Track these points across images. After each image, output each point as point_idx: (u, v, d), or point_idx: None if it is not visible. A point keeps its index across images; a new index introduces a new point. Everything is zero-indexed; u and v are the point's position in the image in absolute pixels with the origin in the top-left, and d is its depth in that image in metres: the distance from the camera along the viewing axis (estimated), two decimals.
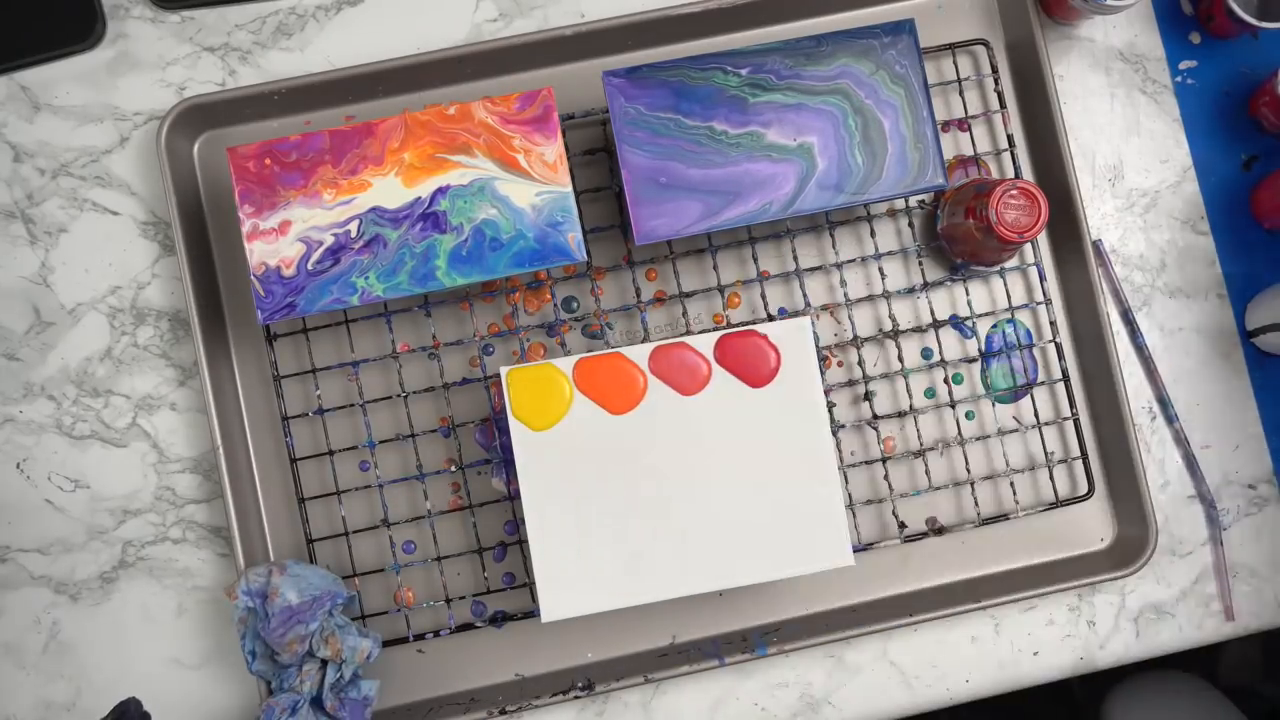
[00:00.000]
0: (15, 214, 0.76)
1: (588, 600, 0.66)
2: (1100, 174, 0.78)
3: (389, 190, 0.67)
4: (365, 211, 0.67)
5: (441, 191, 0.67)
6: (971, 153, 0.77)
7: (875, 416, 0.74)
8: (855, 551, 0.75)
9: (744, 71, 0.68)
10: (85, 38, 0.75)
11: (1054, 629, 0.76)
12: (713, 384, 0.67)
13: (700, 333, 0.70)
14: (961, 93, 0.76)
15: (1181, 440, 0.77)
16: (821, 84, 0.68)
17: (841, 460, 0.75)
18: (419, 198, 0.67)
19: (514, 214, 0.67)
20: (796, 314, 0.75)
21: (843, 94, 0.68)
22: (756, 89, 0.68)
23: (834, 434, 0.75)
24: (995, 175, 0.77)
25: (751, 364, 0.67)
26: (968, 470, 0.75)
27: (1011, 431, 0.76)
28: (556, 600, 0.66)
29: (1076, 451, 0.77)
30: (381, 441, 0.74)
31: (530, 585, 0.74)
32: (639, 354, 0.66)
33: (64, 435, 0.75)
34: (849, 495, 0.75)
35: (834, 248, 0.75)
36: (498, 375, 0.74)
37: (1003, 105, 0.76)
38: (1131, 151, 0.79)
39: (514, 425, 0.66)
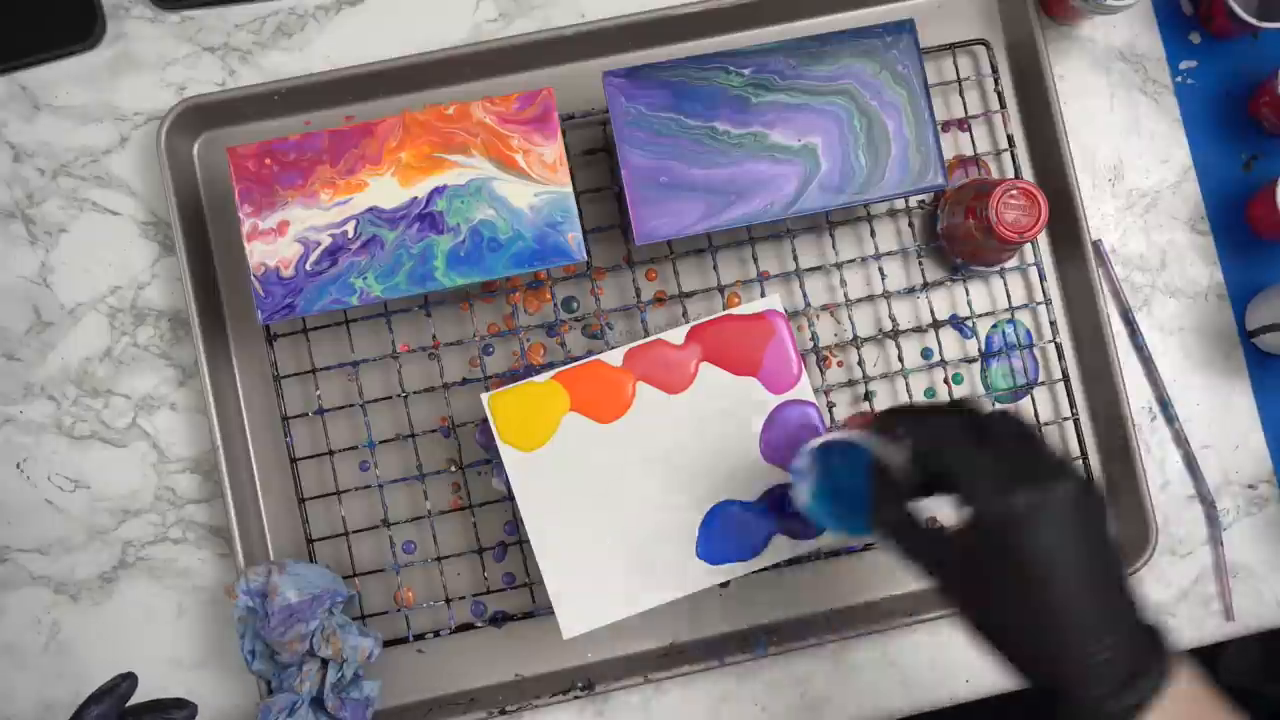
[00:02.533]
0: (15, 214, 0.76)
1: (605, 611, 0.65)
2: (1100, 174, 0.78)
3: (386, 190, 0.67)
4: (362, 212, 0.67)
5: (438, 191, 0.67)
6: (971, 153, 0.77)
7: None
8: (854, 552, 0.75)
9: (747, 71, 0.68)
10: (85, 38, 0.75)
11: None
12: (699, 378, 0.67)
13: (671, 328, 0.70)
14: (961, 93, 0.76)
15: (1181, 440, 0.77)
16: (825, 84, 0.68)
17: None
18: (415, 198, 0.67)
19: (511, 214, 0.67)
20: (796, 314, 0.75)
21: (847, 95, 0.68)
22: (760, 89, 0.68)
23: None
24: (995, 175, 0.77)
25: (731, 351, 0.67)
26: None
27: None
28: (574, 616, 0.65)
29: (1076, 451, 0.77)
30: (381, 441, 0.74)
31: (530, 585, 0.74)
32: (617, 358, 0.66)
33: (64, 435, 0.75)
34: None
35: (834, 248, 0.75)
36: (498, 375, 0.74)
37: (1003, 105, 0.76)
38: (1131, 152, 0.79)
39: (504, 450, 0.65)
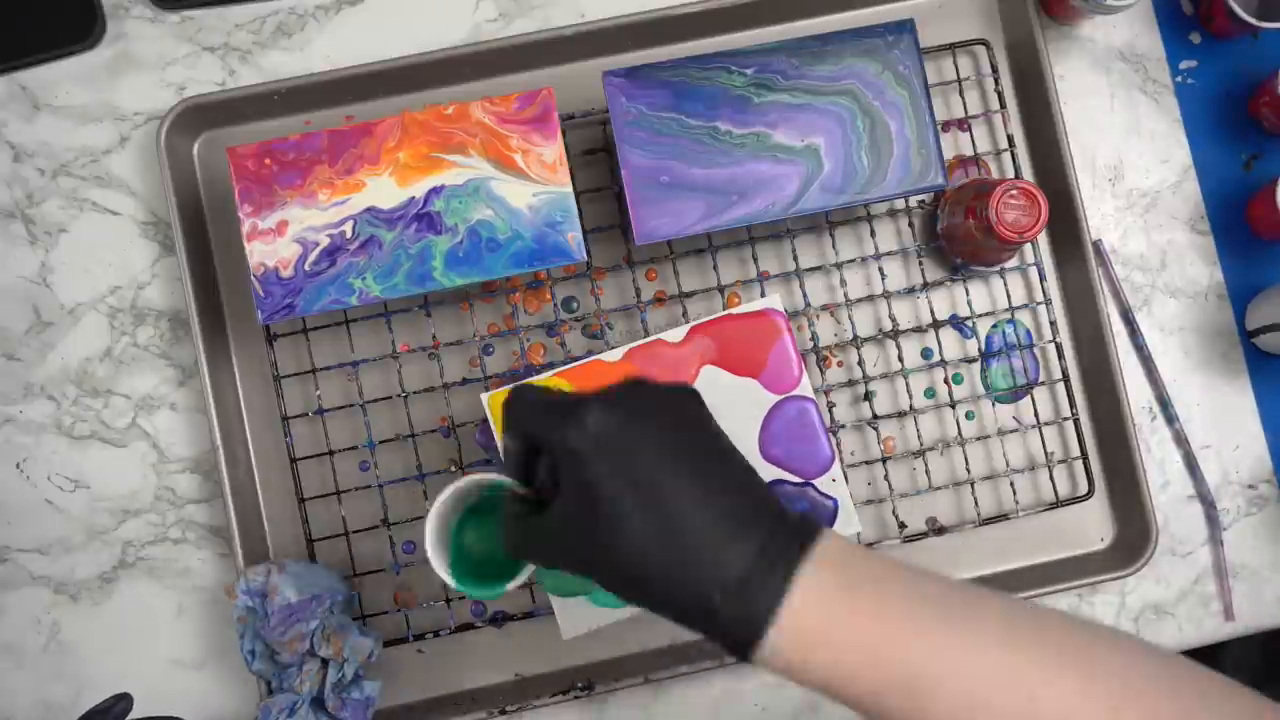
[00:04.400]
0: (15, 214, 0.76)
1: (605, 611, 0.65)
2: (1100, 174, 0.78)
3: (383, 191, 0.67)
4: (360, 212, 0.67)
5: (436, 192, 0.67)
6: (971, 153, 0.77)
7: (875, 416, 0.74)
8: None
9: (749, 71, 0.68)
10: (85, 38, 0.75)
11: None
12: (699, 379, 0.67)
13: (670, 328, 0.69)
14: (961, 93, 0.76)
15: (1181, 440, 0.77)
16: (828, 84, 0.68)
17: (842, 460, 0.75)
18: (413, 198, 0.67)
19: (510, 215, 0.67)
20: (796, 314, 0.75)
21: (851, 95, 0.68)
22: (762, 89, 0.68)
23: (834, 433, 0.75)
24: (995, 175, 0.77)
25: (731, 351, 0.67)
26: (968, 470, 0.75)
27: (1011, 431, 0.76)
28: (574, 616, 0.65)
29: (1076, 451, 0.77)
30: (381, 441, 0.74)
31: (530, 585, 0.74)
32: (618, 358, 0.66)
33: (64, 435, 0.75)
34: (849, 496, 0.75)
35: (834, 248, 0.75)
36: (498, 375, 0.74)
37: (1003, 105, 0.76)
38: (1131, 151, 0.78)
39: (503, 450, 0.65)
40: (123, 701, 0.60)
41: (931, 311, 0.75)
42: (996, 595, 0.44)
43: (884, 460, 0.74)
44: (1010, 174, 0.77)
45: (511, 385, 0.51)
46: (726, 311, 0.67)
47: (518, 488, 0.51)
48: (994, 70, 0.76)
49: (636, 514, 0.44)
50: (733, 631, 0.43)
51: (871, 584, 0.43)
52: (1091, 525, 0.76)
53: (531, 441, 0.48)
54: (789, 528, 0.44)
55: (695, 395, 0.47)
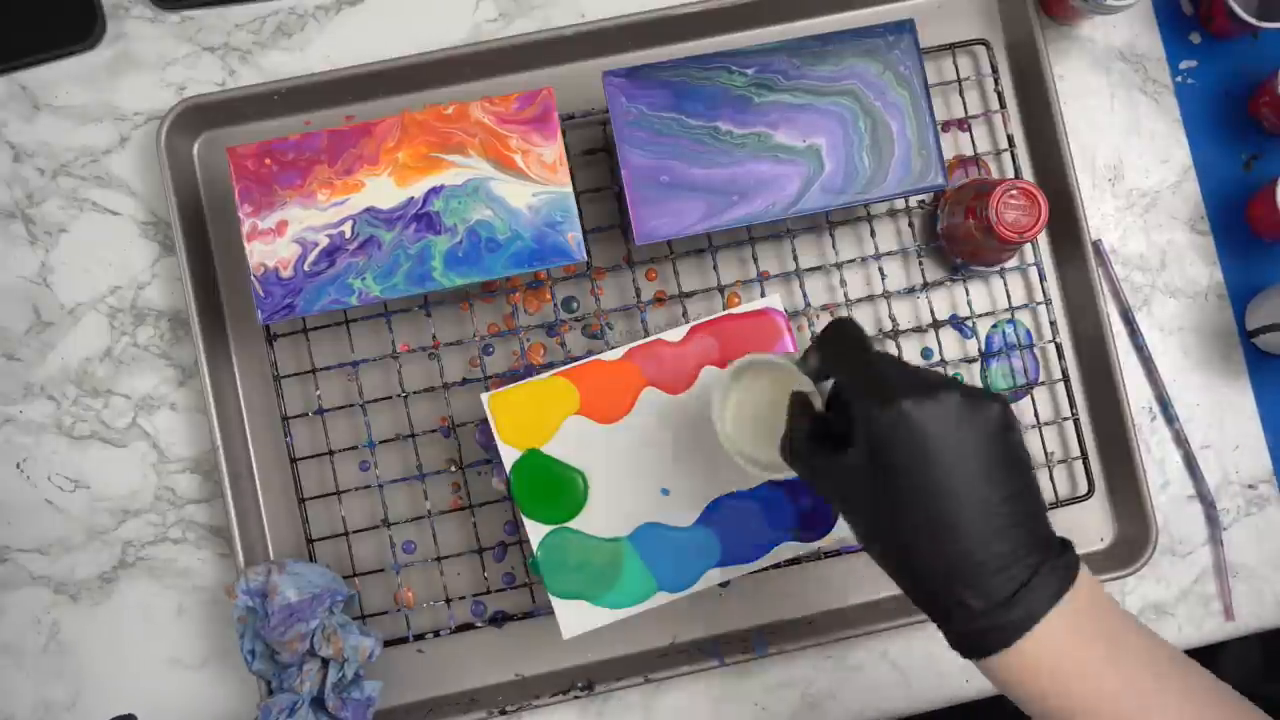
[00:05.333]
0: (15, 214, 0.76)
1: (605, 611, 0.65)
2: (1100, 174, 0.78)
3: (382, 191, 0.67)
4: (359, 212, 0.67)
5: (435, 192, 0.67)
6: (971, 153, 0.77)
7: None
8: (854, 552, 0.75)
9: (750, 71, 0.68)
10: (85, 38, 0.75)
11: None
12: (700, 379, 0.67)
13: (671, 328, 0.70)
14: (961, 93, 0.76)
15: (1181, 440, 0.77)
16: (829, 84, 0.68)
17: None
18: (412, 198, 0.67)
19: (509, 215, 0.67)
20: (796, 314, 0.75)
21: (852, 95, 0.68)
22: (763, 89, 0.68)
23: None
24: (995, 175, 0.77)
25: (731, 351, 0.67)
26: None
27: None
28: (574, 616, 0.65)
29: (1076, 451, 0.77)
30: (381, 441, 0.74)
31: (530, 585, 0.74)
32: (618, 358, 0.66)
33: (64, 435, 0.75)
34: None
35: (834, 248, 0.75)
36: (498, 375, 0.74)
37: (1003, 105, 0.76)
38: (1131, 151, 0.78)
39: (504, 450, 0.65)
40: None
41: (931, 311, 0.75)
42: (1208, 676, 0.50)
43: None
44: (1010, 174, 0.77)
45: (836, 320, 0.53)
46: (727, 311, 0.67)
47: (810, 392, 0.54)
48: (994, 70, 0.77)
49: (926, 511, 0.46)
50: (972, 636, 0.47)
51: (1106, 639, 0.47)
52: (1091, 525, 0.76)
53: (844, 390, 0.51)
54: (1059, 562, 0.47)
55: (1007, 406, 0.49)
